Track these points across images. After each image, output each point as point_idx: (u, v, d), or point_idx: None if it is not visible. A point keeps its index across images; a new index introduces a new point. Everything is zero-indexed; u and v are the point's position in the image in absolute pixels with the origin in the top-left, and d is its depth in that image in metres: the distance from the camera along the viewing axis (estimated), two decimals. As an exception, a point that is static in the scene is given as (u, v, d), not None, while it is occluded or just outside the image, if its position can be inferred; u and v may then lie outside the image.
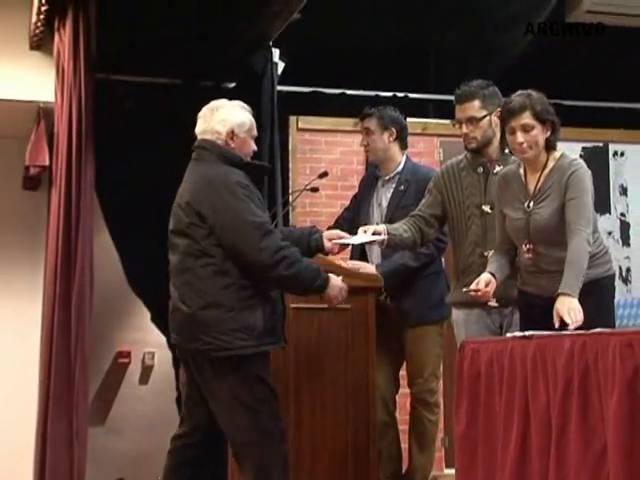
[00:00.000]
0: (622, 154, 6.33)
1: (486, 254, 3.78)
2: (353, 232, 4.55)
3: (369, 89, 6.49)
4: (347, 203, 4.78)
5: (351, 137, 4.54)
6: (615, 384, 2.43)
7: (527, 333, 3.05)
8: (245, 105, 3.52)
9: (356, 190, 4.74)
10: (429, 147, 6.61)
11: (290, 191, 6.04)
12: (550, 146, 3.46)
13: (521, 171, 3.56)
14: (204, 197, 3.25)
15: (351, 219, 4.58)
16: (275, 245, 3.20)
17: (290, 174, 6.32)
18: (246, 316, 3.17)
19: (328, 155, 6.50)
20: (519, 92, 3.53)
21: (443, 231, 4.21)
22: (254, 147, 3.49)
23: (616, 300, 2.79)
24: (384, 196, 4.45)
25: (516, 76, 6.47)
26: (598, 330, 2.81)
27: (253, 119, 3.51)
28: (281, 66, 5.83)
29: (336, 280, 3.41)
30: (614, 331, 2.69)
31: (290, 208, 5.84)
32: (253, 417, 3.20)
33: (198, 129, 3.49)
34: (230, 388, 3.21)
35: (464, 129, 3.93)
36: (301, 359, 3.78)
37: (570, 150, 3.67)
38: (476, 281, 3.47)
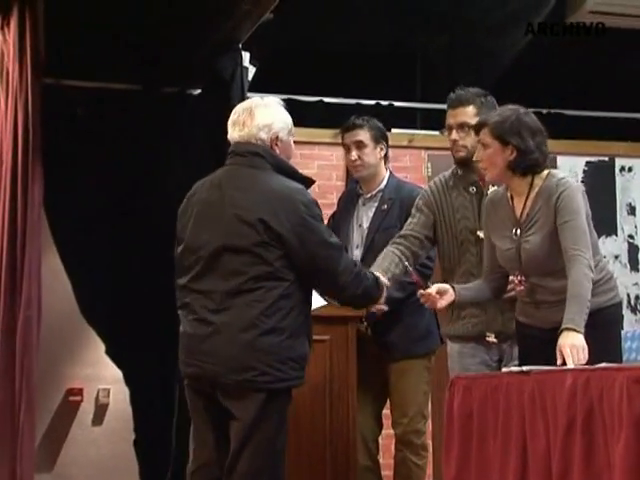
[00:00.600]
0: (630, 169, 6.37)
1: None
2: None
3: (350, 97, 6.51)
4: (324, 223, 4.76)
5: (329, 150, 4.54)
6: (622, 425, 2.42)
7: (524, 368, 3.04)
8: (280, 101, 3.52)
9: (335, 209, 4.72)
10: (416, 161, 6.63)
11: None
12: (517, 170, 3.45)
13: (508, 194, 3.57)
14: (285, 216, 3.22)
15: None
16: (351, 264, 3.38)
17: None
18: (301, 344, 3.23)
19: (304, 170, 6.42)
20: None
21: (429, 255, 4.21)
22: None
23: (623, 332, 2.78)
24: (365, 216, 4.44)
25: (511, 82, 6.54)
26: (603, 365, 2.80)
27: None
28: (252, 71, 5.83)
29: (383, 281, 3.59)
30: (621, 366, 2.68)
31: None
32: (273, 463, 3.20)
33: (236, 135, 3.41)
34: (268, 426, 3.19)
35: (453, 135, 3.94)
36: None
37: (573, 165, 3.70)
38: (432, 287, 3.58)
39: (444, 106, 6.70)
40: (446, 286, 3.61)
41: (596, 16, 6.05)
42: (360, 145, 4.41)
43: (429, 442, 4.65)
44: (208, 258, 3.28)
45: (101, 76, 5.51)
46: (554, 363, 3.08)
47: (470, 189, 3.94)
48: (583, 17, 6.11)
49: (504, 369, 3.19)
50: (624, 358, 2.77)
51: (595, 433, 2.60)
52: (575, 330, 3.15)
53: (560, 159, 6.13)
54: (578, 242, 3.32)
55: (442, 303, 3.57)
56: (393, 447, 4.42)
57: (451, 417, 3.36)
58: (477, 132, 3.53)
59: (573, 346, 3.11)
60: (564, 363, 3.08)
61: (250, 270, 3.19)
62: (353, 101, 6.52)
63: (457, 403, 3.33)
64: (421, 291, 3.59)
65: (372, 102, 6.58)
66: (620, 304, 3.59)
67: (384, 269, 3.78)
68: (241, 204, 3.26)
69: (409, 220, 4.02)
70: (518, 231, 3.47)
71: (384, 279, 3.62)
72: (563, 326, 3.18)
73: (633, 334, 2.72)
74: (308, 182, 3.42)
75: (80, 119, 5.46)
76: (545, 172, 3.49)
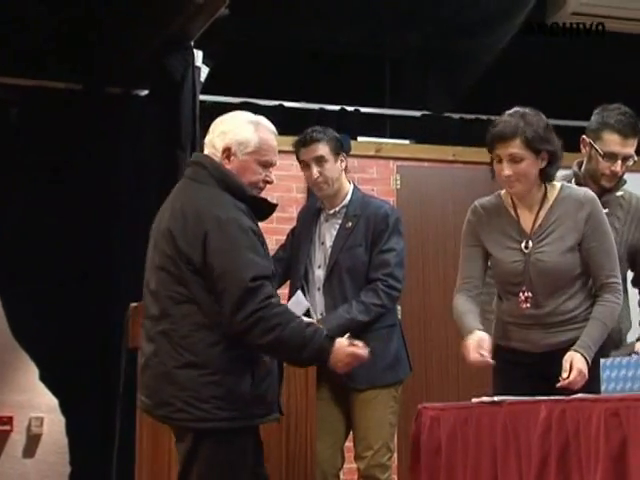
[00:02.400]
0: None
1: None
2: (289, 274, 4.57)
3: (312, 101, 6.55)
4: (283, 239, 4.79)
5: (290, 159, 4.55)
6: (599, 460, 2.46)
7: (496, 398, 3.08)
8: (267, 124, 3.38)
9: (294, 223, 4.74)
10: (384, 172, 6.67)
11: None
12: (547, 178, 3.52)
13: (506, 204, 3.60)
14: (191, 232, 3.12)
15: (287, 260, 4.57)
16: (255, 303, 3.06)
17: (215, 202, 6.33)
18: (232, 381, 3.09)
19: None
20: (511, 111, 3.55)
21: (395, 276, 4.25)
22: (264, 177, 3.32)
23: (602, 360, 2.84)
24: (328, 234, 4.44)
25: (486, 88, 6.62)
26: (579, 396, 2.85)
27: (271, 141, 3.34)
28: (205, 71, 5.84)
29: (340, 345, 3.24)
30: (598, 397, 2.73)
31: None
32: None
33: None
34: (201, 471, 3.14)
35: (618, 167, 3.91)
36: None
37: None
38: (475, 344, 3.39)
39: (415, 113, 6.81)
40: (484, 335, 3.45)
41: (579, 18, 6.15)
42: (321, 161, 4.37)
43: (394, 477, 4.67)
44: (148, 280, 3.32)
45: (38, 74, 5.47)
46: (541, 393, 3.10)
47: None
48: (566, 20, 6.21)
49: (474, 399, 3.24)
50: (602, 388, 2.82)
51: (570, 469, 2.64)
52: (585, 357, 3.26)
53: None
54: (615, 268, 3.47)
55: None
56: (356, 483, 4.44)
57: (417, 451, 3.39)
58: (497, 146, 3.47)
59: (581, 372, 3.21)
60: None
61: (166, 290, 3.17)
62: (316, 106, 6.55)
63: (424, 436, 3.36)
64: (477, 353, 3.36)
65: (337, 107, 6.62)
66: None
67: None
68: (161, 215, 3.29)
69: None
70: (529, 243, 3.51)
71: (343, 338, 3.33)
72: (578, 348, 3.29)
73: (612, 363, 2.78)
74: (263, 206, 3.29)
75: (14, 120, 5.44)
76: (558, 184, 3.56)
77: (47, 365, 5.42)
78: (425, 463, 3.33)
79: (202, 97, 5.97)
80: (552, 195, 3.53)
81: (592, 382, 3.21)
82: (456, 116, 6.84)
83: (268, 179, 3.34)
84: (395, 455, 4.66)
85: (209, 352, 3.09)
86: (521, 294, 3.50)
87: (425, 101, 6.87)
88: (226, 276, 3.07)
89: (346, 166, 4.47)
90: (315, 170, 4.38)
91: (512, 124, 3.44)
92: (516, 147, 3.42)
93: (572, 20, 6.25)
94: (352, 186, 4.47)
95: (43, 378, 5.50)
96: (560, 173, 4.10)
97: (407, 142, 6.82)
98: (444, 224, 6.54)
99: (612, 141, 3.89)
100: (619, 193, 3.98)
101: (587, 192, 3.56)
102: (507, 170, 3.43)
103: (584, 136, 4.00)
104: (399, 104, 6.76)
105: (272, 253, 4.73)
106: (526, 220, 3.55)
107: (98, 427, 5.53)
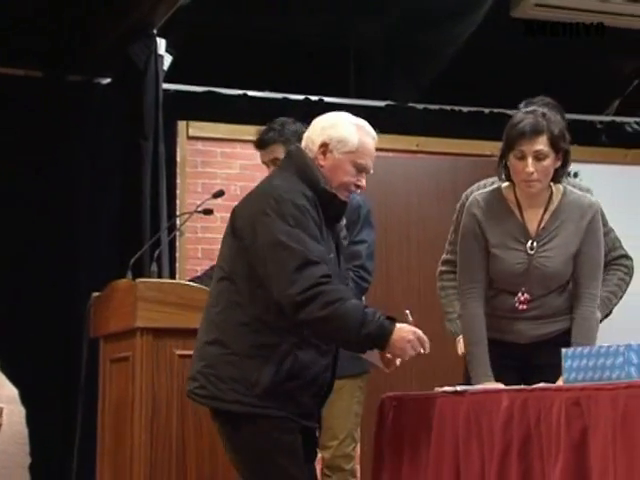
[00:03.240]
0: (575, 175, 6.49)
1: None
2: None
3: (276, 90, 6.53)
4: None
5: (253, 148, 4.55)
6: (560, 449, 2.48)
7: (459, 388, 3.10)
8: (369, 129, 3.30)
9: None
10: (348, 163, 6.67)
11: (177, 213, 6.02)
12: (556, 179, 3.50)
13: (510, 202, 3.56)
14: (249, 206, 3.15)
15: None
16: (313, 277, 2.99)
17: (178, 192, 6.31)
18: (251, 366, 3.05)
19: (225, 170, 6.51)
20: (530, 107, 3.51)
21: (366, 268, 4.24)
22: (356, 180, 3.25)
23: (563, 350, 2.86)
24: None
25: (451, 79, 6.64)
26: (541, 385, 2.87)
27: (369, 146, 3.26)
28: (168, 60, 5.82)
29: (402, 329, 3.08)
30: (560, 387, 2.75)
31: (177, 234, 5.82)
32: None
33: None
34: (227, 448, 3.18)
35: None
36: (187, 416, 3.80)
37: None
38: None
39: (380, 103, 6.82)
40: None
41: (542, 10, 6.17)
42: (277, 163, 4.33)
43: (358, 467, 4.69)
44: None
45: (-4, 60, 5.45)
46: (529, 382, 3.10)
47: None
48: (529, 12, 6.23)
49: (437, 389, 3.25)
50: (564, 378, 2.84)
51: (532, 458, 2.66)
52: None
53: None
54: (596, 280, 3.51)
55: None
56: (320, 472, 4.45)
57: (380, 441, 3.40)
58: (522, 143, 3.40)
59: None
60: None
61: (219, 263, 3.22)
62: (280, 95, 6.54)
63: (387, 425, 3.37)
64: None
65: (301, 97, 6.61)
66: None
67: None
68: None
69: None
70: (534, 244, 3.50)
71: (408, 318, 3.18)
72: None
73: (574, 352, 2.80)
74: (334, 202, 3.21)
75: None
76: (561, 185, 3.54)
77: (7, 355, 5.37)
78: (388, 453, 3.34)
79: (165, 86, 5.95)
80: (557, 198, 3.51)
81: None
82: (420, 106, 6.85)
83: (360, 184, 3.27)
84: (359, 446, 4.67)
85: (236, 331, 3.08)
86: (520, 294, 3.50)
87: (389, 91, 6.87)
88: (282, 248, 3.03)
89: None
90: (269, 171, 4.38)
91: (537, 120, 3.39)
92: (542, 144, 3.38)
93: (536, 12, 6.27)
94: None
95: (3, 368, 5.45)
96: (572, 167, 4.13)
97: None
98: (408, 214, 6.55)
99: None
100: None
101: (590, 199, 3.56)
102: (531, 167, 3.38)
103: None
104: (363, 94, 6.75)
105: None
106: (531, 221, 3.52)
107: (59, 418, 5.50)
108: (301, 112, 6.45)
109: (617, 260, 4.08)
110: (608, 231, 4.04)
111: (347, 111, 6.83)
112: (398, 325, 3.08)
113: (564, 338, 3.44)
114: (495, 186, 3.63)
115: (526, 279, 3.49)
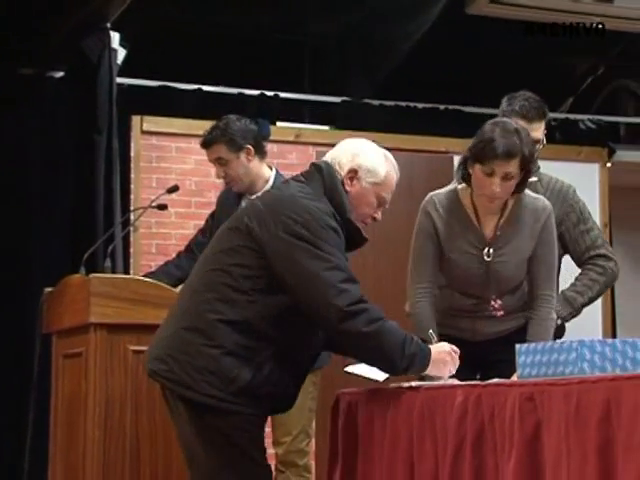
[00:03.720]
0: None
1: None
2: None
3: (231, 85, 6.52)
4: (202, 224, 4.77)
5: (208, 143, 4.55)
6: (513, 444, 2.49)
7: (413, 383, 3.11)
8: (394, 161, 3.29)
9: (213, 208, 4.72)
10: (304, 158, 6.66)
11: (131, 208, 5.99)
12: (517, 191, 3.50)
13: (466, 206, 3.57)
14: (272, 214, 3.07)
15: (205, 244, 4.55)
16: (358, 293, 3.03)
17: (132, 187, 6.28)
18: (229, 363, 3.03)
19: (180, 165, 6.49)
20: (501, 124, 3.44)
21: None
22: (373, 212, 3.22)
23: (518, 346, 2.88)
24: None
25: (407, 75, 6.66)
26: (495, 381, 2.89)
27: (393, 179, 3.25)
28: (122, 54, 5.79)
29: (439, 347, 3.15)
30: (513, 382, 2.76)
31: (131, 229, 5.79)
32: None
33: (328, 154, 3.30)
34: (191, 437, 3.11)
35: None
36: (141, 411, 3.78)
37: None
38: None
39: (334, 99, 6.82)
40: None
41: (497, 7, 6.21)
42: (221, 162, 4.37)
43: (313, 463, 4.69)
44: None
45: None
46: (485, 378, 3.16)
47: None
48: (483, 8, 6.27)
49: (392, 385, 3.26)
50: (518, 373, 2.86)
51: (485, 454, 2.67)
52: None
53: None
54: (552, 282, 3.56)
55: None
56: (273, 468, 4.45)
57: (335, 436, 3.40)
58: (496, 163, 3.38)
59: None
60: None
61: (214, 251, 3.21)
62: (235, 90, 6.53)
63: (342, 421, 3.37)
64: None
65: (256, 92, 6.60)
66: None
67: None
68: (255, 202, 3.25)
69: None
70: (491, 251, 3.52)
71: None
72: None
73: (527, 348, 2.82)
74: (355, 234, 3.17)
75: None
76: None
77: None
78: (343, 449, 3.35)
79: (119, 80, 5.92)
80: (511, 202, 3.53)
81: None
82: (376, 102, 6.87)
83: (376, 216, 3.25)
84: (313, 441, 4.68)
85: (222, 326, 3.04)
86: (493, 302, 3.55)
87: (345, 87, 6.88)
88: (324, 261, 3.01)
89: (259, 149, 4.42)
90: (219, 170, 4.40)
91: (513, 142, 3.36)
92: (513, 166, 3.37)
93: (490, 9, 6.31)
94: (274, 172, 4.46)
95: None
96: None
97: (327, 128, 6.82)
98: (363, 211, 6.57)
99: None
100: (533, 179, 4.02)
101: (544, 202, 3.58)
102: (498, 187, 3.38)
103: None
104: (319, 89, 6.76)
105: (191, 239, 4.74)
106: (487, 227, 3.54)
107: (11, 416, 5.45)
108: (256, 107, 6.47)
109: (593, 259, 4.09)
110: (589, 229, 4.08)
111: (302, 106, 6.84)
112: (433, 345, 3.17)
113: (518, 335, 3.49)
114: (451, 188, 3.64)
115: (482, 284, 3.54)
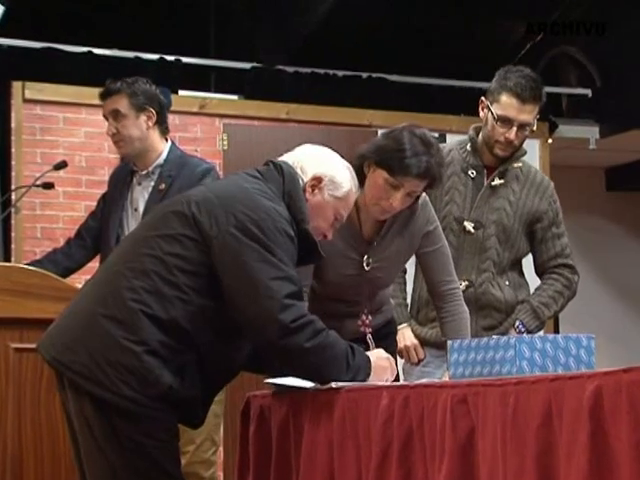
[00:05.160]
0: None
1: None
2: (99, 245, 4.51)
3: (126, 49, 6.48)
4: (94, 205, 4.74)
5: (100, 114, 4.50)
6: (445, 451, 2.51)
7: (334, 384, 3.12)
8: (356, 180, 3.29)
9: (106, 188, 4.69)
10: (209, 131, 6.67)
11: (13, 187, 5.91)
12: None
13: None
14: (223, 207, 3.04)
15: (97, 229, 4.53)
16: (303, 307, 3.06)
17: (13, 163, 6.20)
18: (150, 363, 2.98)
19: (68, 138, 6.42)
20: (419, 134, 3.44)
21: None
22: (328, 234, 3.25)
23: (450, 342, 2.91)
24: (141, 198, 4.43)
25: (323, 41, 6.67)
26: (425, 381, 2.91)
27: (352, 198, 3.27)
28: None
29: (377, 355, 3.22)
30: (444, 383, 2.78)
31: (12, 211, 5.71)
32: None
33: (285, 156, 3.28)
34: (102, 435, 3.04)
35: (512, 135, 3.95)
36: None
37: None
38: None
39: (244, 65, 6.80)
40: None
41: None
42: (117, 115, 4.38)
43: (220, 474, 4.71)
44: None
45: None
46: None
47: (469, 172, 4.04)
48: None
49: (309, 385, 3.27)
50: (450, 373, 2.89)
51: (414, 461, 2.68)
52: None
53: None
54: (453, 274, 3.65)
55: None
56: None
57: (245, 444, 3.40)
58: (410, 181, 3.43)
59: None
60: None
61: (149, 232, 3.16)
62: (131, 54, 6.48)
63: (253, 427, 3.37)
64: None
65: (155, 56, 6.56)
66: None
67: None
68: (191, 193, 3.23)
69: None
70: (370, 260, 3.58)
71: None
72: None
73: (460, 345, 2.85)
74: (310, 247, 3.16)
75: None
76: None
77: None
78: (254, 457, 3.35)
79: (-4, 40, 5.84)
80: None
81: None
82: (290, 69, 6.87)
83: (328, 234, 3.26)
84: (221, 449, 4.69)
85: (148, 321, 2.99)
86: (364, 317, 3.62)
87: (255, 52, 6.87)
88: (272, 266, 2.99)
89: (161, 123, 4.44)
90: (111, 126, 4.40)
91: (431, 162, 3.39)
92: (422, 185, 3.43)
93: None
94: (169, 144, 4.48)
95: None
96: (455, 138, 4.21)
97: (235, 97, 6.81)
98: (276, 190, 6.58)
99: (509, 105, 3.92)
100: (517, 164, 4.07)
101: (424, 197, 3.61)
102: (399, 202, 3.43)
103: (483, 98, 4.04)
104: (226, 55, 6.74)
105: (81, 224, 4.70)
106: (368, 229, 3.59)
107: None
108: (156, 73, 6.43)
109: (560, 269, 4.16)
110: (560, 234, 4.15)
111: (208, 73, 6.83)
112: (371, 352, 3.24)
113: (387, 328, 3.68)
114: None
115: (356, 291, 3.61)
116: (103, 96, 4.43)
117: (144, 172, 4.44)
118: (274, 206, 3.08)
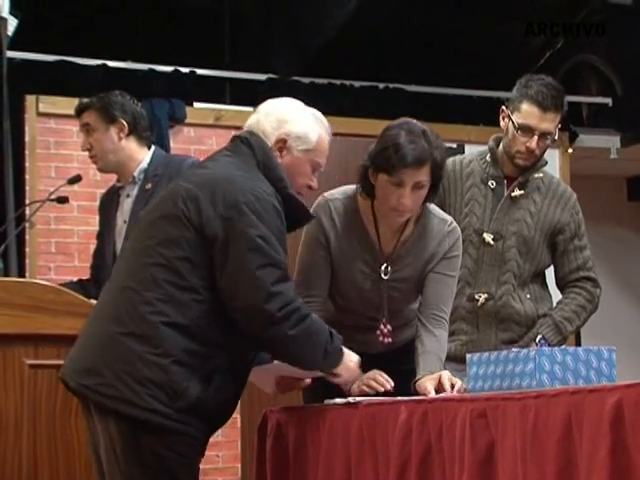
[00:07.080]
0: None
1: (477, 297, 3.95)
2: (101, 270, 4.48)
3: (140, 61, 6.49)
4: (89, 228, 4.71)
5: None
6: (464, 466, 2.51)
7: (351, 399, 3.13)
8: (324, 119, 3.32)
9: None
10: (224, 144, 6.58)
11: (27, 201, 5.93)
12: (427, 202, 3.53)
13: (364, 216, 3.57)
14: (221, 196, 3.05)
15: (98, 267, 4.51)
16: (290, 294, 3.07)
17: (27, 177, 6.22)
18: (178, 374, 2.99)
19: (82, 152, 6.43)
20: (406, 125, 3.43)
21: None
22: (313, 184, 3.27)
23: (469, 356, 2.91)
24: (129, 208, 4.40)
25: (338, 51, 6.67)
26: (444, 395, 2.91)
27: (326, 141, 3.30)
28: (13, 24, 5.73)
29: (348, 355, 3.27)
30: (463, 397, 2.78)
31: (27, 226, 5.74)
32: None
33: (247, 122, 3.31)
34: (127, 461, 3.04)
35: (533, 144, 3.94)
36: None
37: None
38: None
39: (259, 76, 6.81)
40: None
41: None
42: (88, 130, 4.40)
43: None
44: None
45: None
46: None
47: (489, 183, 4.04)
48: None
49: (327, 401, 3.27)
50: (469, 387, 2.89)
51: (432, 476, 2.69)
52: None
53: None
54: (448, 305, 3.58)
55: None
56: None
57: (263, 459, 3.40)
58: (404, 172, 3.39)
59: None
60: None
61: (148, 242, 3.16)
62: (145, 66, 6.50)
63: (270, 443, 3.38)
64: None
65: (169, 68, 6.58)
66: None
67: None
68: (192, 172, 3.32)
69: None
70: (388, 269, 3.56)
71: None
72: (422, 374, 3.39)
73: (479, 359, 2.85)
74: (298, 211, 3.21)
75: None
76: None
77: None
78: (271, 473, 3.35)
79: (10, 54, 5.86)
80: (414, 216, 3.55)
81: None
82: (305, 80, 6.87)
83: (312, 185, 3.28)
84: (239, 465, 4.69)
85: (168, 331, 3.00)
86: (382, 326, 3.59)
87: (270, 63, 6.88)
88: (254, 256, 3.02)
89: (134, 130, 4.41)
90: (85, 141, 4.42)
91: (422, 147, 3.35)
92: (424, 174, 3.37)
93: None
94: (152, 150, 4.45)
95: None
96: (474, 149, 4.19)
97: (251, 109, 6.79)
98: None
99: (530, 114, 3.91)
100: (538, 175, 4.06)
101: (452, 223, 3.61)
102: (408, 199, 3.38)
103: (503, 107, 4.04)
104: (241, 66, 6.75)
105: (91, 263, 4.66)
106: (387, 242, 3.57)
107: None
108: (169, 86, 6.45)
109: (582, 282, 4.13)
110: (583, 247, 4.12)
111: (222, 85, 6.83)
112: (345, 353, 3.27)
113: (413, 344, 3.56)
114: (350, 192, 3.62)
115: (377, 304, 3.59)
116: (77, 113, 4.47)
117: (130, 179, 4.41)
118: (254, 184, 3.09)
